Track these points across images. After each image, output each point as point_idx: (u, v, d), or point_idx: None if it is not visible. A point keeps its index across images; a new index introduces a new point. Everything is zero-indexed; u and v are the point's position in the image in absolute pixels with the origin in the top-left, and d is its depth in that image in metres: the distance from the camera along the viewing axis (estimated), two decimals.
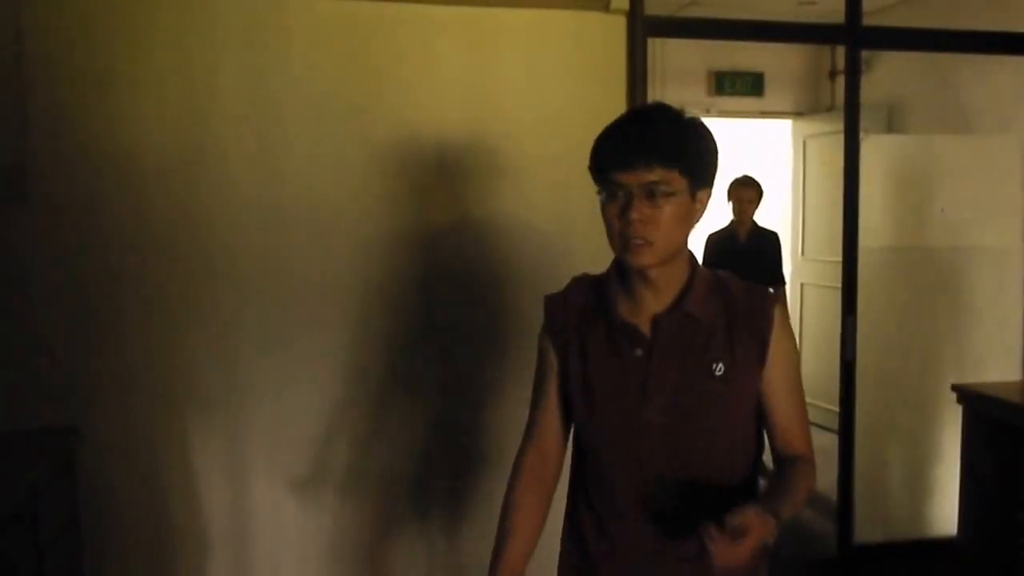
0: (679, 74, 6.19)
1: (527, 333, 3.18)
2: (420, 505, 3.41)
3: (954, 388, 3.83)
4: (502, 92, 3.38)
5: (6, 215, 2.92)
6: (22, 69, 2.90)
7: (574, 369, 1.76)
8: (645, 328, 1.69)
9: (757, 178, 5.24)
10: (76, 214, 3.00)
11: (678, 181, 1.57)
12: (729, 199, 5.18)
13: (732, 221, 5.22)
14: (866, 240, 3.97)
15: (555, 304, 1.82)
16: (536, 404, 1.84)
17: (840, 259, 3.96)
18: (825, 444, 4.00)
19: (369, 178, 3.27)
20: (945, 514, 4.12)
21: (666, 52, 5.94)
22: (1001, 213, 4.23)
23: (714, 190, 1.70)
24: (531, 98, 3.41)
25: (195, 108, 3.09)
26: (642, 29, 3.48)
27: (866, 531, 4.11)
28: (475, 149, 3.37)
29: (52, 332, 3.00)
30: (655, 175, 1.56)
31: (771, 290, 1.79)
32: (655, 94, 6.01)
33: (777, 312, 1.70)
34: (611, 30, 3.46)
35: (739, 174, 5.22)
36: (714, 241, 5.25)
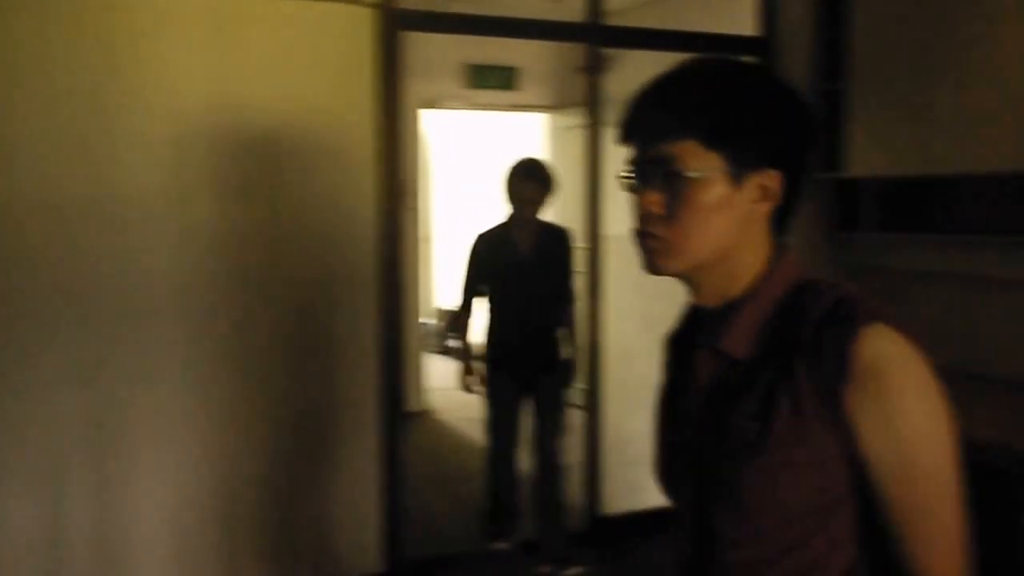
0: (433, 67, 6.26)
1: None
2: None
3: None
4: (247, 80, 3.37)
5: None
6: None
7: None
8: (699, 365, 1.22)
9: (546, 166, 3.99)
10: None
11: (702, 157, 1.12)
12: (507, 194, 3.95)
13: (511, 217, 4.00)
14: (611, 228, 4.19)
15: (667, 340, 1.40)
16: None
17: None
18: (574, 421, 4.23)
19: (106, 167, 3.19)
20: None
21: (420, 44, 6.00)
22: None
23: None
24: (278, 88, 3.41)
25: None
26: (394, 22, 3.53)
27: (615, 503, 4.34)
28: (219, 138, 3.34)
29: None
30: (667, 147, 1.13)
31: (871, 319, 1.05)
32: (407, 87, 6.09)
33: (868, 353, 1.03)
34: (361, 22, 3.50)
35: (520, 159, 3.99)
36: (482, 248, 4.06)
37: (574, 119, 6.60)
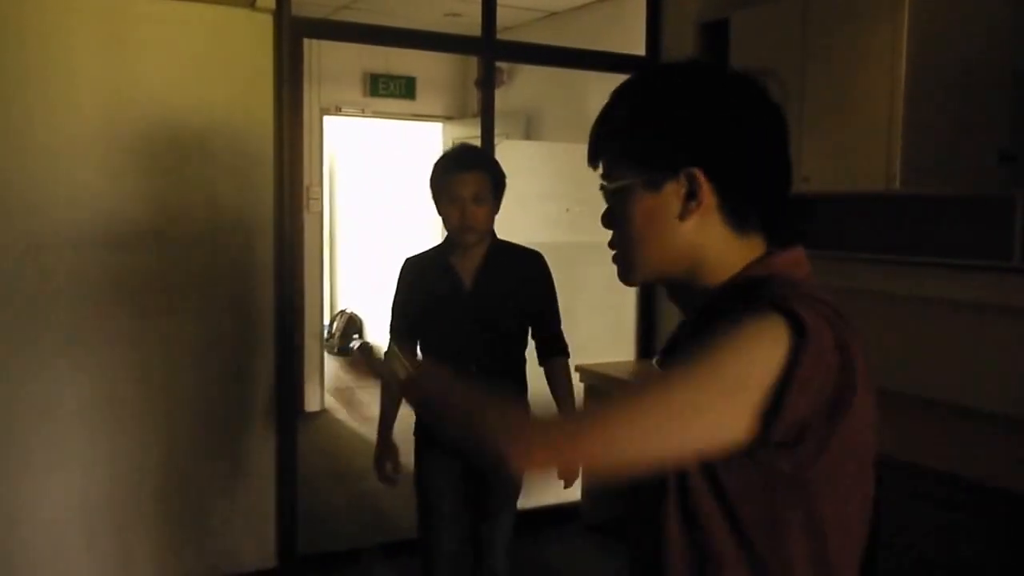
0: (335, 74, 6.35)
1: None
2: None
3: (577, 369, 4.26)
4: (143, 84, 3.37)
5: None
6: None
7: None
8: None
9: (486, 155, 2.96)
10: None
11: (617, 170, 1.15)
12: (437, 201, 2.72)
13: (446, 239, 2.82)
14: (501, 236, 4.32)
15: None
16: None
17: None
18: None
19: (8, 167, 3.19)
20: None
21: (322, 52, 6.07)
22: None
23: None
24: (179, 91, 3.42)
25: None
26: (291, 29, 3.58)
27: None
28: (119, 140, 3.33)
29: None
30: (599, 166, 1.18)
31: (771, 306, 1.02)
32: (310, 93, 6.16)
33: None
34: (258, 28, 3.53)
35: (455, 143, 2.91)
36: (410, 278, 2.87)
37: (467, 129, 6.74)
